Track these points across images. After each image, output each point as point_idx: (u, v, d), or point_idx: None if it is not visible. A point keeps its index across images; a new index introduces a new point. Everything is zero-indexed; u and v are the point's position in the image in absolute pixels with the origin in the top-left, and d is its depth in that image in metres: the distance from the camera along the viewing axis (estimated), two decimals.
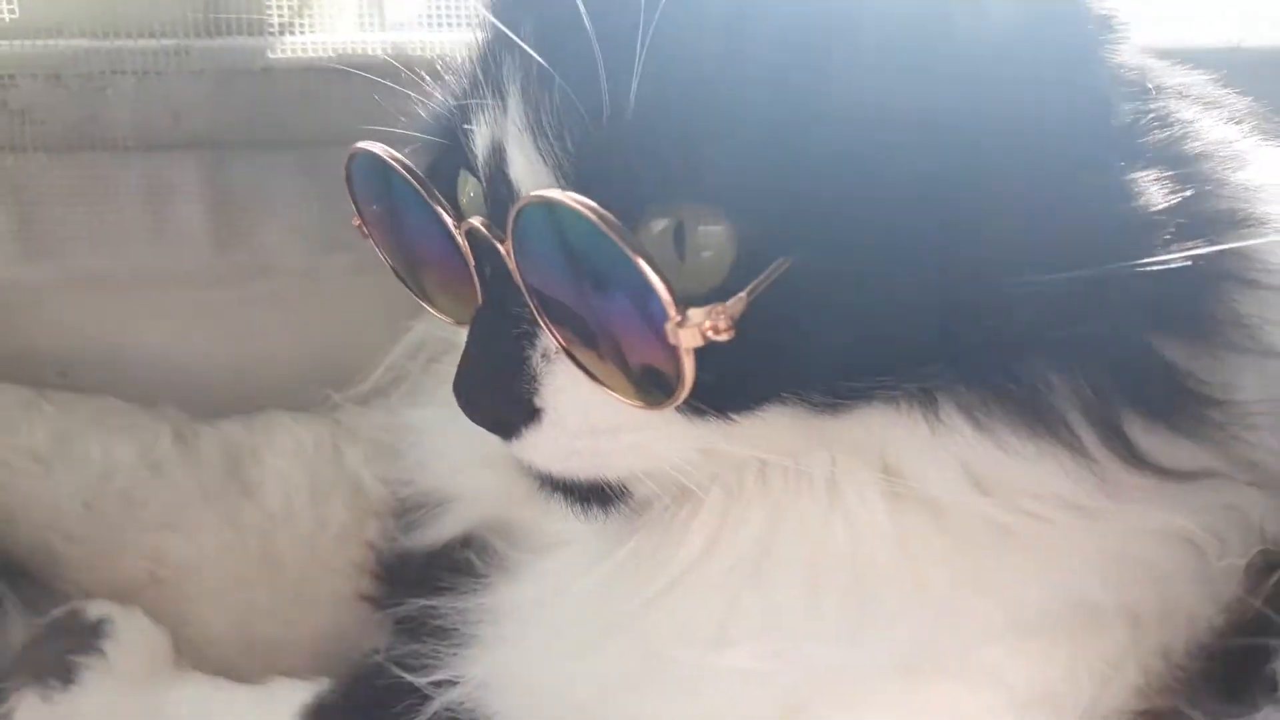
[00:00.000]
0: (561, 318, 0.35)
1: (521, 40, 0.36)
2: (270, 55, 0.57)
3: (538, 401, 0.37)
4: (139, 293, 0.59)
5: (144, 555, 0.53)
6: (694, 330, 0.32)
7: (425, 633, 0.47)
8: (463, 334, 0.40)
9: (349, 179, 0.42)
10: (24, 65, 0.55)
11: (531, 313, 0.36)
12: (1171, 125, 0.38)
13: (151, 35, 0.57)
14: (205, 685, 0.51)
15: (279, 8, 0.59)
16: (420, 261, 0.42)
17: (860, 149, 0.33)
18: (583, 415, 0.37)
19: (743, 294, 0.32)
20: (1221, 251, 0.36)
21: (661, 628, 0.38)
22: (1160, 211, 0.34)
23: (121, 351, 0.59)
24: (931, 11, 0.34)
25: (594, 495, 0.40)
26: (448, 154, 0.42)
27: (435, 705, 0.44)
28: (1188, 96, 0.41)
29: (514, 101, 0.37)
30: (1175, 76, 0.42)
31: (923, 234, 0.33)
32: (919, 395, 0.34)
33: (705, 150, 0.34)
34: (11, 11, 0.56)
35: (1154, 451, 0.34)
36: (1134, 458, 0.34)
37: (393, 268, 0.44)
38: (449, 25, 0.62)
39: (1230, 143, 0.39)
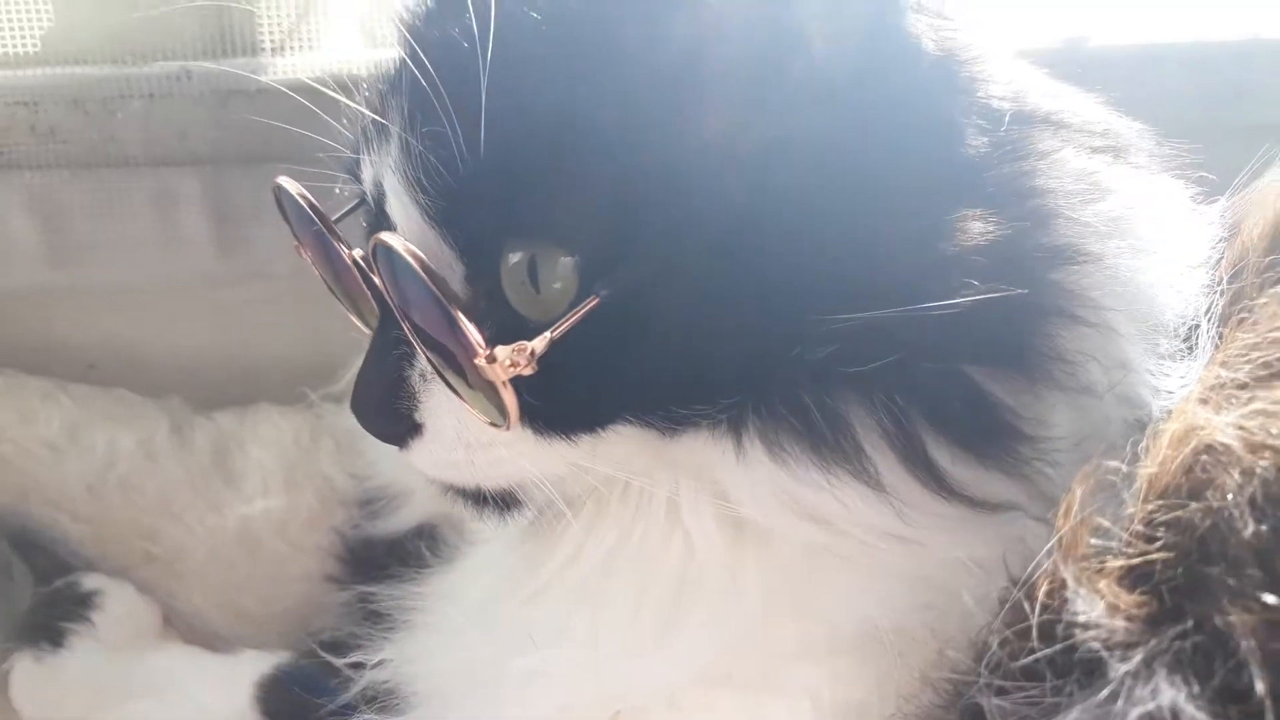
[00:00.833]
0: (426, 342, 0.39)
1: (404, 91, 0.40)
2: (263, 78, 0.62)
3: (418, 416, 0.41)
4: (150, 294, 0.65)
5: (140, 535, 0.60)
6: (499, 366, 0.35)
7: (363, 616, 0.52)
8: None
9: (279, 206, 0.46)
10: (48, 91, 0.61)
11: (404, 333, 0.40)
12: (1025, 157, 0.39)
13: (158, 58, 0.63)
14: (180, 653, 0.57)
15: (272, 31, 0.65)
16: (338, 280, 0.46)
17: (677, 193, 0.35)
18: (456, 430, 0.41)
19: (547, 333, 0.35)
20: (1049, 286, 0.37)
21: (523, 628, 0.41)
22: (973, 250, 0.35)
23: (136, 347, 0.66)
24: (759, 56, 0.36)
25: (489, 500, 0.44)
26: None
27: (361, 684, 0.49)
28: (1057, 123, 0.41)
29: (394, 145, 0.40)
30: (1055, 100, 0.42)
31: (733, 271, 0.35)
32: (729, 424, 0.36)
33: (545, 194, 0.37)
34: (35, 44, 0.62)
35: (963, 482, 0.35)
36: (943, 488, 0.35)
37: (324, 282, 0.48)
38: None
39: (1089, 174, 0.39)
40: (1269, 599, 0.26)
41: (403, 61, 0.40)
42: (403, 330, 0.39)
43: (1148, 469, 0.31)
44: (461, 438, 0.41)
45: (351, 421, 0.47)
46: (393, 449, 0.43)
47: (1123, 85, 0.72)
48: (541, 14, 0.37)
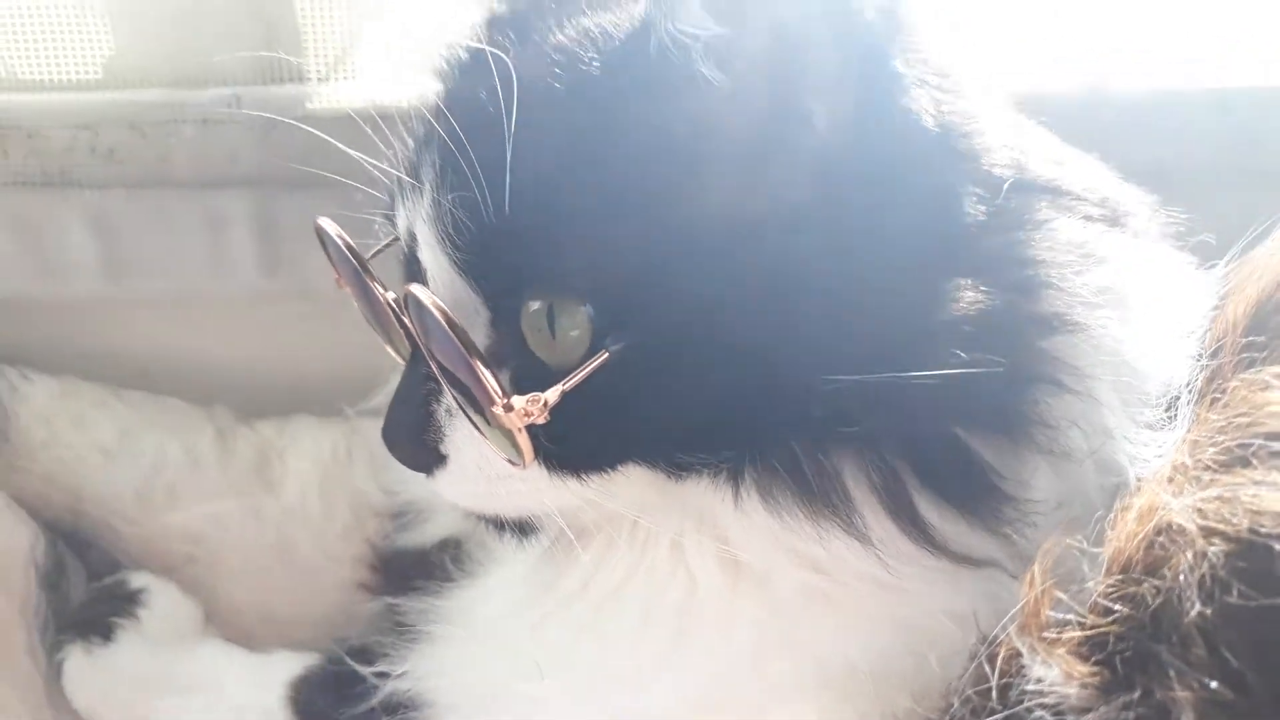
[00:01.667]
0: (451, 383, 0.41)
1: (435, 149, 0.42)
2: (309, 105, 0.66)
3: (443, 449, 0.44)
4: (200, 307, 0.69)
5: (183, 538, 0.63)
6: (515, 415, 0.38)
7: (390, 626, 0.55)
8: None
9: (321, 243, 0.50)
10: (108, 115, 0.65)
11: (434, 373, 0.42)
12: (1021, 227, 0.41)
13: (211, 84, 0.67)
14: (219, 650, 0.60)
15: (318, 60, 0.68)
16: (375, 313, 0.49)
17: (684, 256, 0.38)
18: (478, 463, 0.43)
19: (559, 386, 0.38)
20: (1036, 353, 0.39)
21: (532, 653, 0.44)
22: (963, 319, 0.37)
23: (185, 356, 0.70)
24: (765, 130, 0.38)
25: (510, 526, 0.47)
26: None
27: (384, 692, 0.52)
28: (1056, 191, 0.43)
29: (426, 197, 0.43)
30: (1056, 167, 0.44)
31: (734, 331, 0.38)
32: (729, 473, 0.39)
33: (562, 251, 0.39)
34: (96, 72, 0.66)
35: (947, 537, 0.38)
36: (928, 541, 0.38)
37: (362, 314, 0.51)
38: None
39: (1081, 244, 0.41)
40: (1211, 682, 0.28)
41: (434, 121, 0.43)
42: (431, 368, 0.42)
43: (1112, 543, 0.33)
44: (482, 470, 0.43)
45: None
46: (420, 476, 0.46)
47: (1143, 128, 0.74)
48: (562, 84, 0.39)
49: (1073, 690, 0.30)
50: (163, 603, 0.60)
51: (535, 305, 0.40)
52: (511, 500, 0.44)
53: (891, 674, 0.38)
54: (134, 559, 0.63)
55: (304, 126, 0.63)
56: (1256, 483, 0.31)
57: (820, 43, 0.37)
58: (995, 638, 0.33)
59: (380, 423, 0.65)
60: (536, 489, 0.43)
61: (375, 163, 0.50)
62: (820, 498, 0.37)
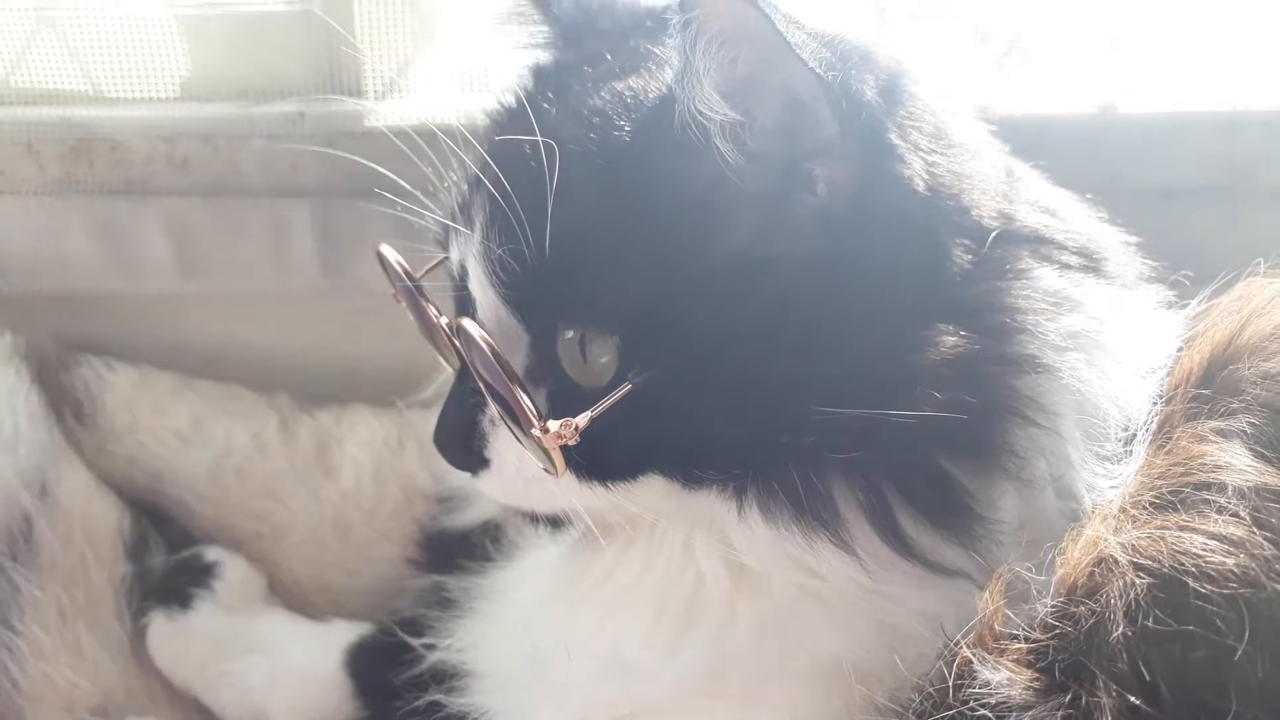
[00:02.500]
0: (496, 400, 0.47)
1: (484, 195, 0.48)
2: (367, 122, 0.71)
3: (486, 454, 0.50)
4: (265, 304, 0.75)
5: (250, 516, 0.71)
6: (551, 436, 0.43)
7: (435, 602, 0.62)
8: None
9: (381, 265, 0.55)
10: (184, 129, 0.71)
11: (480, 388, 0.48)
12: (1003, 276, 0.45)
13: (277, 99, 0.73)
14: (283, 617, 0.68)
15: (376, 78, 0.73)
16: (428, 330, 0.55)
17: (699, 296, 0.43)
18: (516, 467, 0.49)
19: (589, 412, 0.43)
20: (1009, 391, 0.44)
21: (561, 635, 0.51)
22: (942, 363, 0.43)
23: (250, 348, 0.76)
24: (773, 190, 0.43)
25: (543, 519, 0.53)
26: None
27: (430, 660, 0.59)
28: (1039, 240, 0.48)
29: (477, 234, 0.48)
30: (1043, 216, 0.49)
31: (741, 366, 0.43)
32: (735, 488, 0.45)
33: (594, 288, 0.45)
34: (174, 89, 0.72)
35: (924, 549, 0.43)
36: (907, 551, 0.43)
37: (416, 328, 0.57)
38: None
39: (1058, 292, 0.46)
40: (1130, 696, 0.34)
41: (482, 173, 0.48)
42: (475, 385, 0.48)
43: (1060, 569, 0.38)
44: (520, 474, 0.49)
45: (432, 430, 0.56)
46: (464, 475, 0.52)
47: (1153, 149, 0.78)
48: (597, 145, 0.45)
49: (1015, 692, 0.36)
50: (233, 574, 0.68)
51: (570, 334, 0.46)
52: (545, 500, 0.50)
53: (872, 667, 0.43)
54: (207, 534, 0.71)
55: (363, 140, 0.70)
56: (1181, 526, 0.36)
57: (824, 120, 0.42)
58: (957, 642, 0.39)
59: (428, 415, 0.72)
60: (567, 492, 0.49)
61: (433, 182, 0.56)
62: (812, 513, 0.43)
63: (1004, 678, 0.36)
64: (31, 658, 0.59)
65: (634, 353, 0.44)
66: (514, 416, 0.46)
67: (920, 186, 0.44)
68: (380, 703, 0.63)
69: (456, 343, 0.48)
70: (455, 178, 0.54)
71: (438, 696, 0.56)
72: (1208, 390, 0.43)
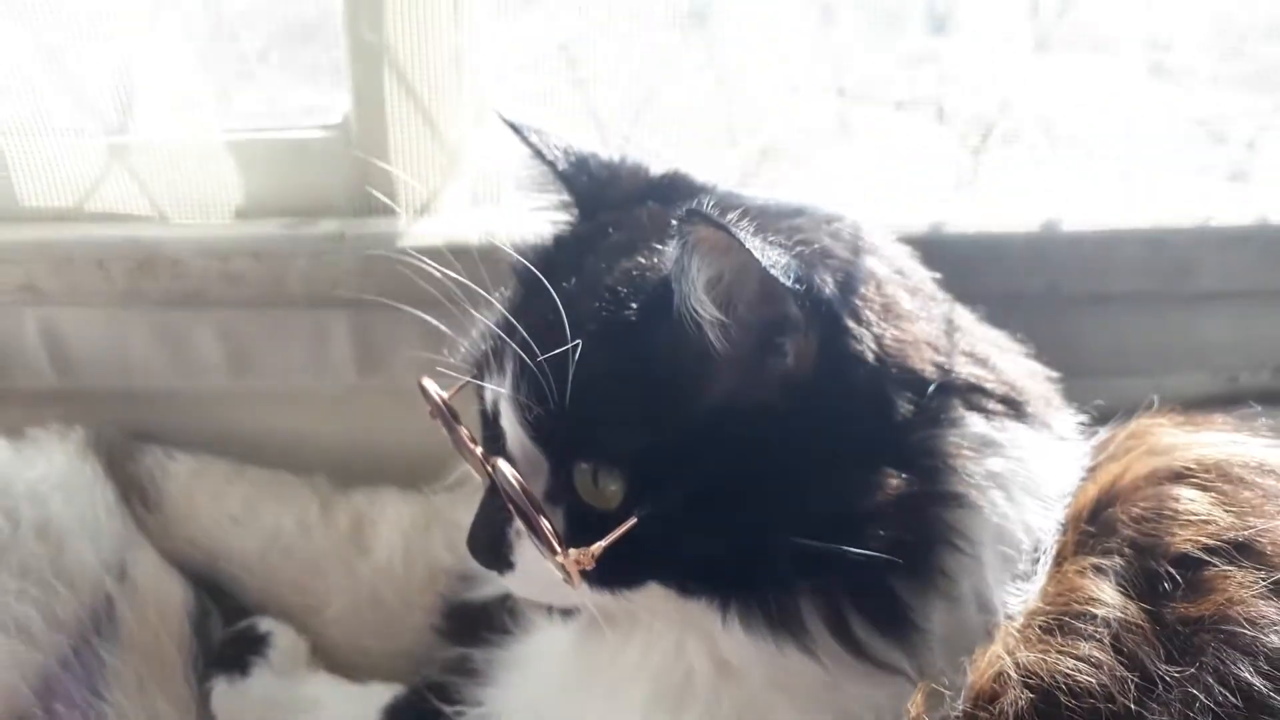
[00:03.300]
0: (523, 518, 0.57)
1: (512, 352, 0.58)
2: (400, 242, 0.81)
3: (512, 559, 0.60)
4: (305, 400, 0.85)
5: (296, 590, 0.81)
6: (571, 561, 0.54)
7: (461, 671, 0.72)
8: None
9: (423, 394, 0.65)
10: (237, 247, 0.81)
11: (507, 506, 0.58)
12: (938, 424, 0.56)
13: (319, 216, 0.83)
14: (327, 680, 0.78)
15: (409, 200, 0.83)
16: (461, 449, 0.65)
17: (693, 454, 0.54)
18: (537, 572, 0.59)
19: (603, 543, 0.53)
20: (941, 523, 0.54)
21: (573, 707, 0.61)
22: (887, 502, 0.53)
23: (293, 437, 0.86)
24: (751, 360, 0.53)
25: (556, 610, 0.63)
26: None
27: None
28: (970, 389, 0.58)
29: (509, 378, 0.58)
30: (976, 365, 0.59)
31: (724, 504, 0.53)
32: (719, 600, 0.55)
33: (606, 432, 0.55)
34: (229, 215, 0.82)
35: (873, 650, 0.53)
36: (859, 653, 0.54)
37: (451, 445, 0.67)
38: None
39: (984, 436, 0.56)
40: None
41: (510, 331, 0.58)
42: (502, 502, 0.58)
43: (971, 678, 0.49)
44: (540, 577, 0.59)
45: (454, 514, 0.66)
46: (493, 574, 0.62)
47: (1090, 261, 0.88)
48: (609, 316, 0.55)
49: None
50: (283, 642, 0.78)
51: (584, 466, 0.56)
52: (560, 598, 0.61)
53: None
54: (257, 605, 0.81)
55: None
56: (1060, 649, 0.47)
57: (791, 310, 0.52)
58: None
59: (451, 499, 0.82)
60: (580, 593, 0.59)
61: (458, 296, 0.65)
62: (783, 625, 0.53)
63: None
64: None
65: (637, 485, 0.54)
66: (541, 539, 0.56)
67: (870, 357, 0.55)
68: None
69: (489, 469, 0.58)
70: (482, 327, 0.64)
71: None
72: (1092, 527, 0.53)
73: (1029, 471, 0.57)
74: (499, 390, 0.59)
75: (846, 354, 0.54)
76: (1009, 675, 0.47)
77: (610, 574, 0.56)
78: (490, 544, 0.60)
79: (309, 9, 0.88)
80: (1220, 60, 1.00)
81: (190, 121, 0.80)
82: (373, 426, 0.86)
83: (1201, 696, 0.44)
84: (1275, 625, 0.46)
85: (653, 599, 0.57)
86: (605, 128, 0.85)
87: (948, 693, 0.49)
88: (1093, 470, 0.59)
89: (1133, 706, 0.45)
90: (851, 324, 0.54)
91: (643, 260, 0.57)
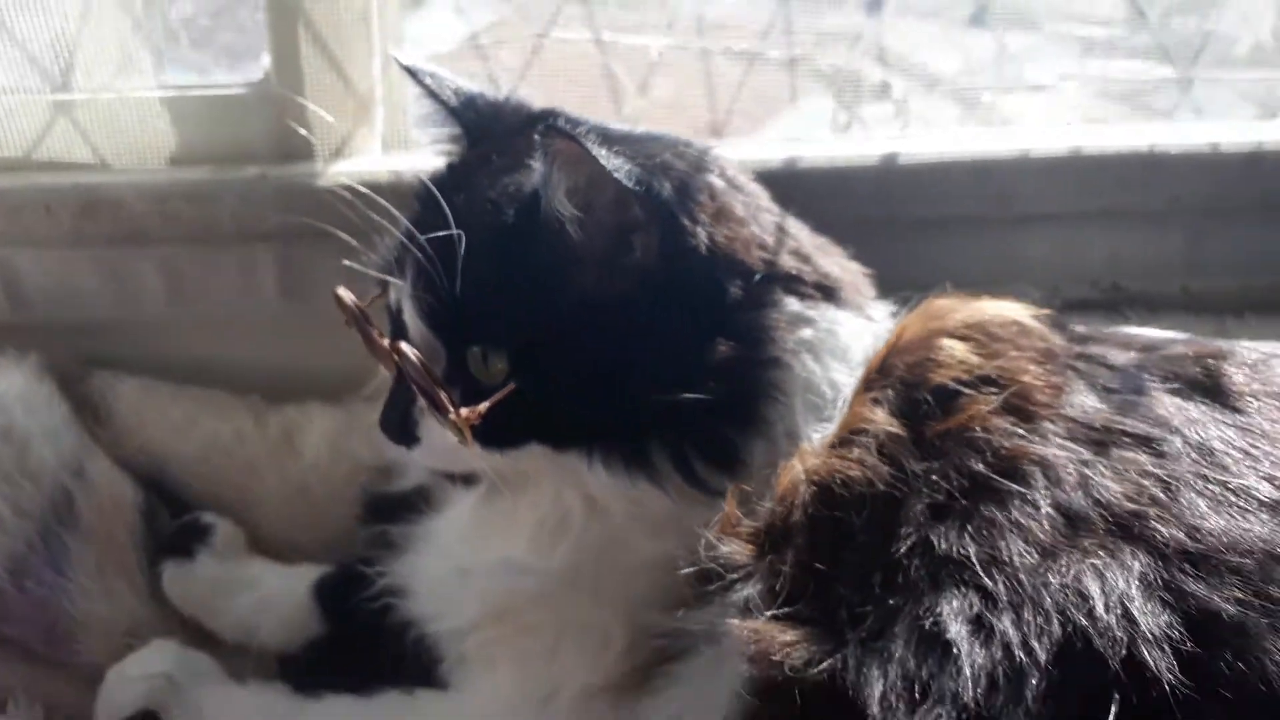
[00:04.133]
0: (424, 395, 0.69)
1: (412, 256, 0.69)
2: (317, 183, 0.92)
3: (418, 433, 0.72)
4: (237, 325, 0.96)
5: (234, 489, 0.92)
6: (461, 420, 0.66)
7: (381, 545, 0.83)
8: None
9: (336, 302, 0.76)
10: (172, 190, 0.91)
11: (411, 389, 0.70)
12: (762, 306, 0.69)
13: (245, 163, 0.93)
14: (263, 563, 0.90)
15: (325, 143, 0.94)
16: (371, 348, 0.76)
17: (562, 331, 0.66)
18: (439, 442, 0.71)
19: (483, 406, 0.66)
20: (762, 381, 0.67)
21: (472, 552, 0.73)
22: (720, 363, 0.65)
23: (226, 359, 0.97)
24: (610, 252, 0.66)
25: (460, 478, 0.75)
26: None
27: (379, 585, 0.81)
28: (790, 278, 0.71)
29: (409, 278, 0.70)
30: (796, 259, 0.72)
31: (588, 370, 0.66)
32: (586, 450, 0.67)
33: (492, 320, 0.67)
34: (164, 160, 0.92)
35: (709, 482, 0.66)
36: (699, 485, 0.66)
37: (364, 347, 0.78)
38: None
39: (798, 314, 0.69)
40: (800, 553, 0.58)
41: (411, 238, 0.70)
42: (409, 386, 0.70)
43: (776, 485, 0.62)
44: (441, 447, 0.71)
45: (374, 419, 0.78)
46: (401, 449, 0.74)
47: (925, 187, 1.02)
48: (490, 223, 0.67)
49: (739, 557, 0.59)
50: (223, 532, 0.89)
51: (475, 349, 0.68)
52: (460, 463, 0.73)
53: (673, 559, 0.66)
54: (200, 503, 0.92)
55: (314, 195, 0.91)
56: (839, 456, 0.61)
57: (637, 213, 0.64)
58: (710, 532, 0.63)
59: (369, 408, 0.93)
60: (475, 457, 0.71)
61: (370, 229, 0.77)
62: (637, 466, 0.66)
63: (732, 549, 0.60)
64: (79, 598, 0.80)
65: (519, 361, 0.67)
66: (437, 407, 0.68)
67: (704, 250, 0.67)
68: (340, 620, 0.86)
69: (395, 357, 0.70)
70: (390, 240, 0.75)
71: (388, 600, 0.78)
72: (878, 375, 0.67)
73: (836, 340, 0.70)
74: (401, 287, 0.71)
75: (684, 248, 0.67)
76: (799, 477, 0.61)
77: (498, 434, 0.69)
78: (399, 422, 0.72)
79: None
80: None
81: (127, 79, 0.90)
82: (297, 348, 0.96)
83: (941, 481, 0.58)
84: (1001, 430, 0.60)
85: (535, 458, 0.70)
86: (497, 83, 0.96)
87: (754, 497, 0.62)
88: (886, 342, 0.72)
89: (888, 489, 0.58)
90: (687, 223, 0.67)
91: (518, 176, 0.69)
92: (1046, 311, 0.71)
